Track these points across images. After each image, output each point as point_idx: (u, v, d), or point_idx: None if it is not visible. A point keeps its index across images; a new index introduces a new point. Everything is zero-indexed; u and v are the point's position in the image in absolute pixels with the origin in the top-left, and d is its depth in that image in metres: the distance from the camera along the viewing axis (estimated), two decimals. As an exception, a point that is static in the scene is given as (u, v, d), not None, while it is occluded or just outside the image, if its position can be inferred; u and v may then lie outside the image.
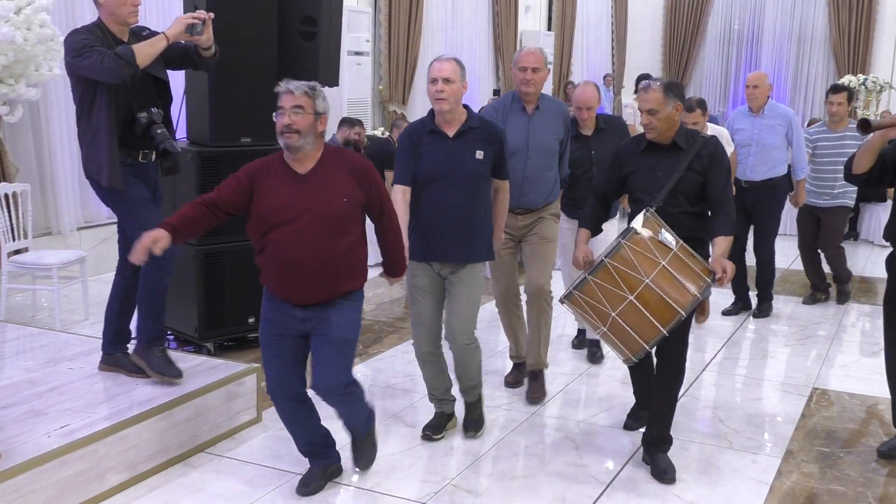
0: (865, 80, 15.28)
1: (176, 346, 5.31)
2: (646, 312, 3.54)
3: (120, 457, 3.61)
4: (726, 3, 17.67)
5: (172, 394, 3.95)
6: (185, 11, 5.15)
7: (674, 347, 3.80)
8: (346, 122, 7.75)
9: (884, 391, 4.38)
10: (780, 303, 6.93)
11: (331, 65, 5.73)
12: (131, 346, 4.24)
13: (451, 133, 3.98)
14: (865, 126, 3.76)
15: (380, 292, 6.95)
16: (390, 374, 5.18)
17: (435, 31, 11.80)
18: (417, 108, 11.15)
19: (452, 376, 4.28)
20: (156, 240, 3.24)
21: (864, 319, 6.69)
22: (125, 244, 4.00)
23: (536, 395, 4.81)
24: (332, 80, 5.76)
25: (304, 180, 3.38)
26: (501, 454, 4.14)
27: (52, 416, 3.67)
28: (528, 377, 4.92)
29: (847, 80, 15.35)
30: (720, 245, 3.73)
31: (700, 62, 18.05)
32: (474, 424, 4.33)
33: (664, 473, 3.88)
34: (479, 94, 12.58)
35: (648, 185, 3.86)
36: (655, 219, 3.66)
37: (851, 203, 6.92)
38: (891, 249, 4.11)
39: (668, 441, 3.97)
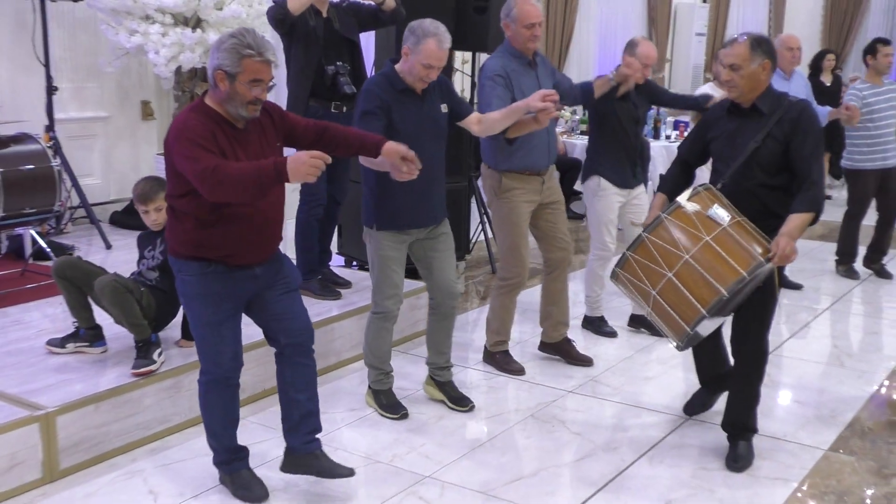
0: None
1: (357, 267, 6.28)
2: (685, 291, 3.28)
3: (329, 345, 4.62)
4: (893, -28, 17.36)
5: (358, 304, 4.88)
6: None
7: (752, 333, 3.61)
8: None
9: None
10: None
11: (499, 35, 6.55)
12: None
13: (419, 91, 3.85)
14: None
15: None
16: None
17: (591, 4, 12.38)
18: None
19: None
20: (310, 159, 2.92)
21: None
22: (305, 185, 4.77)
23: (586, 358, 4.83)
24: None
25: (246, 136, 3.08)
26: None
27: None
28: (564, 344, 4.86)
29: None
30: (791, 222, 3.36)
31: (862, 34, 17.75)
32: (466, 398, 4.25)
33: (734, 461, 3.67)
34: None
35: (726, 153, 3.57)
36: (711, 194, 3.41)
37: None
38: None
39: (749, 429, 3.73)
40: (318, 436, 3.39)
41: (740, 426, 3.74)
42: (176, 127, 3.00)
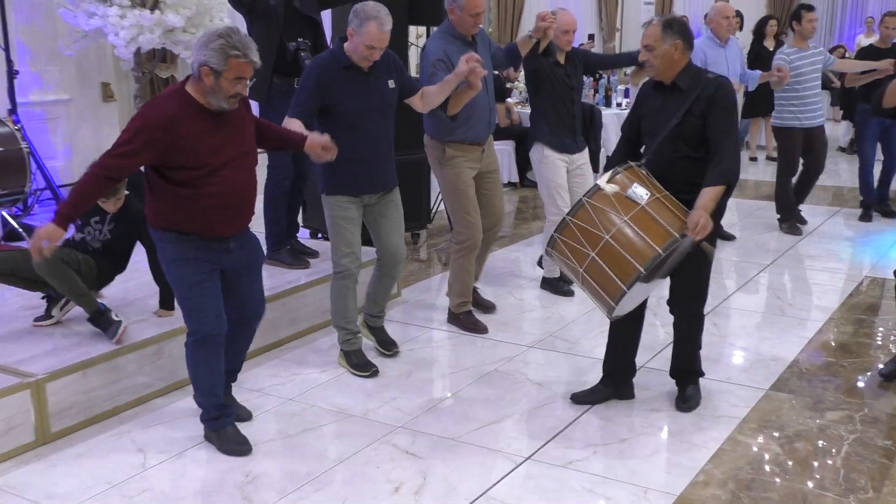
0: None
1: (322, 238, 6.49)
2: (607, 269, 3.47)
3: (299, 311, 4.86)
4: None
5: (326, 272, 5.04)
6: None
7: (691, 295, 3.88)
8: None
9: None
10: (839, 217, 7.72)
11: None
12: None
13: (365, 68, 4.09)
14: None
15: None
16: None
17: (541, -24, 12.61)
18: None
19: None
20: (49, 238, 3.16)
21: (931, 228, 7.39)
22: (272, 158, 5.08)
23: (489, 304, 5.30)
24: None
25: (223, 123, 3.36)
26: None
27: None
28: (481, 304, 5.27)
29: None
30: (704, 195, 3.52)
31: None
32: (393, 343, 4.65)
33: (683, 402, 3.98)
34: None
35: (653, 128, 3.75)
36: (632, 172, 3.58)
37: None
38: None
39: (695, 373, 4.05)
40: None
41: (687, 371, 4.04)
42: (146, 105, 3.34)
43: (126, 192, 4.16)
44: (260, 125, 3.67)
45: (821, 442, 3.68)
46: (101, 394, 3.83)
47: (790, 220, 7.26)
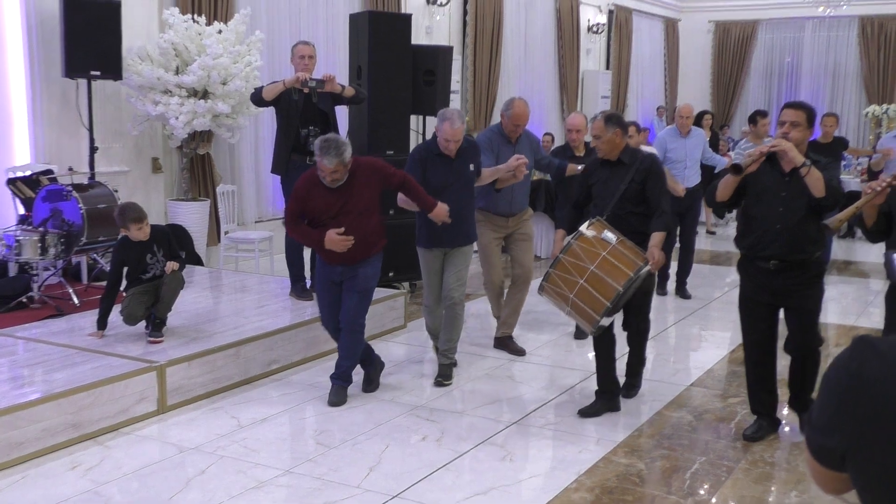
0: (888, 108, 17.44)
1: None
2: (593, 292, 4.56)
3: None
4: (768, 43, 19.99)
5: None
6: (350, 74, 7.93)
7: (640, 316, 5.24)
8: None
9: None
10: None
11: (444, 100, 8.40)
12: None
13: (452, 156, 5.50)
14: (738, 169, 4.64)
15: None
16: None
17: (511, 73, 14.37)
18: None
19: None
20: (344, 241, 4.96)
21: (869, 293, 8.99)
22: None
23: (518, 348, 6.36)
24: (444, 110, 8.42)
25: (336, 192, 4.96)
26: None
27: (264, 311, 6.33)
28: (505, 341, 6.42)
29: (872, 108, 17.57)
30: (654, 238, 4.83)
31: (745, 94, 20.28)
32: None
33: (630, 389, 5.38)
34: (546, 124, 15.08)
35: (602, 192, 5.05)
36: (601, 223, 4.75)
37: None
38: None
39: (637, 386, 5.45)
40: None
41: (634, 371, 5.47)
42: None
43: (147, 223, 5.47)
44: (401, 184, 5.20)
45: (722, 414, 5.16)
46: (199, 380, 5.21)
47: None
